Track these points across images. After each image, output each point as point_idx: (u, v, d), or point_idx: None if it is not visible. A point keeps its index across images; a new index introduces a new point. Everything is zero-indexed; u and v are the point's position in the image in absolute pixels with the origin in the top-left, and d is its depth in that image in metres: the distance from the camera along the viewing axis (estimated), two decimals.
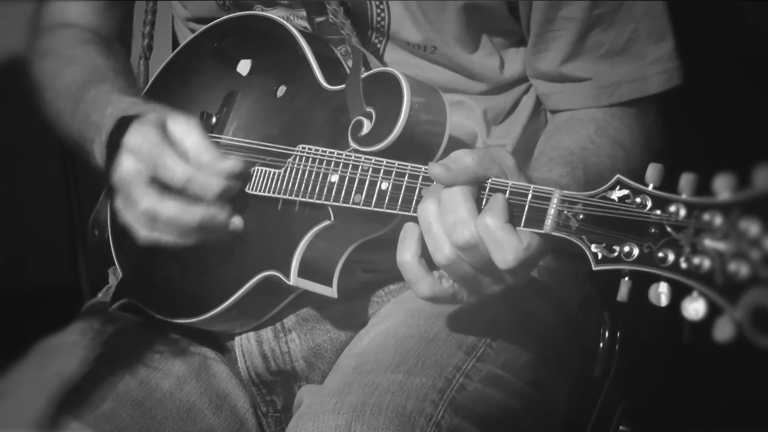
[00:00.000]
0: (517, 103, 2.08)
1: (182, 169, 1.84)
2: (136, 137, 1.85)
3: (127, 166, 1.85)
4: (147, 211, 1.83)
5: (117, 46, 2.24)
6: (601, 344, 2.16)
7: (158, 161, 1.84)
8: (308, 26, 2.04)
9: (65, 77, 2.11)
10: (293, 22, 2.04)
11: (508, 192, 1.62)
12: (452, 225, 1.61)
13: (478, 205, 1.63)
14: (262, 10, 2.06)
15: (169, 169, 1.83)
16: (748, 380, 2.42)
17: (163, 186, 1.84)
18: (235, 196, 1.89)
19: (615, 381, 2.15)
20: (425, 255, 1.68)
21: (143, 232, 1.86)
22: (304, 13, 2.04)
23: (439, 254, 1.63)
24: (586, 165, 1.86)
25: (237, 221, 1.89)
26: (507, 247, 1.58)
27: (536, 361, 1.96)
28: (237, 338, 2.05)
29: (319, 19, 2.03)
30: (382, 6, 1.97)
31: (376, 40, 2.01)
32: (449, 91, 2.00)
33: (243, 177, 1.90)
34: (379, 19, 1.98)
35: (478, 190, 1.65)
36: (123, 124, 1.89)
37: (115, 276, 2.15)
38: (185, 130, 1.88)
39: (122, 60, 2.19)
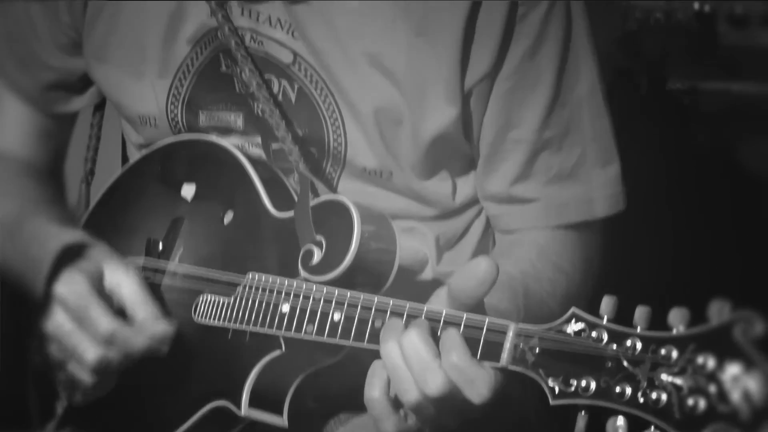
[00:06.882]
0: (468, 227, 2.09)
1: (106, 324, 1.86)
2: (64, 287, 1.88)
3: (54, 316, 1.89)
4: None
5: (49, 177, 2.24)
6: None
7: (83, 314, 1.86)
8: (263, 154, 2.05)
9: None
10: (247, 150, 2.04)
11: (462, 325, 1.62)
12: (422, 376, 1.59)
13: (435, 340, 1.62)
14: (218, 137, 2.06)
15: (92, 323, 1.86)
16: None
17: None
18: (183, 325, 1.89)
19: None
20: None
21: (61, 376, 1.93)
22: (260, 140, 2.05)
23: (406, 397, 1.62)
24: (527, 290, 1.86)
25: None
26: (479, 381, 1.58)
27: None
28: None
29: (275, 146, 2.03)
30: (339, 131, 1.98)
31: (332, 169, 2.02)
32: (402, 218, 2.01)
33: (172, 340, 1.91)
34: (335, 144, 1.99)
35: (431, 325, 1.64)
36: (59, 265, 1.90)
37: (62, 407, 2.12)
38: (122, 279, 1.90)
39: (53, 190, 2.19)
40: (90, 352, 1.86)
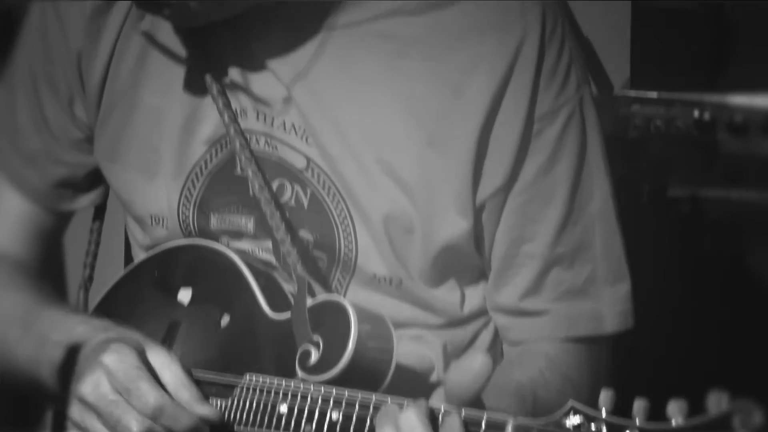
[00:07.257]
0: (475, 337, 2.08)
1: (155, 397, 1.80)
2: (112, 357, 1.83)
3: (98, 386, 1.82)
4: None
5: (44, 277, 2.21)
6: None
7: (132, 385, 1.81)
8: (273, 259, 2.04)
9: (3, 302, 2.09)
10: (257, 255, 2.04)
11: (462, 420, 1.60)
12: None
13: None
14: (229, 242, 2.06)
15: (142, 395, 1.80)
16: None
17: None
18: None
19: None
20: None
21: None
22: (270, 245, 2.05)
23: None
24: (536, 398, 1.85)
25: None
26: None
27: None
28: None
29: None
30: (350, 238, 1.98)
31: (341, 277, 2.02)
32: (409, 326, 2.01)
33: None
34: (347, 251, 1.99)
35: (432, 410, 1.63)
36: (93, 345, 1.87)
37: None
38: (166, 361, 1.86)
39: (53, 290, 2.16)
40: (135, 423, 1.79)
